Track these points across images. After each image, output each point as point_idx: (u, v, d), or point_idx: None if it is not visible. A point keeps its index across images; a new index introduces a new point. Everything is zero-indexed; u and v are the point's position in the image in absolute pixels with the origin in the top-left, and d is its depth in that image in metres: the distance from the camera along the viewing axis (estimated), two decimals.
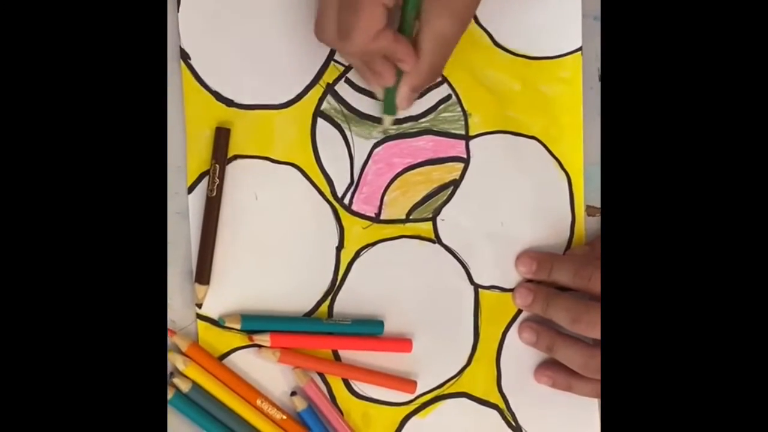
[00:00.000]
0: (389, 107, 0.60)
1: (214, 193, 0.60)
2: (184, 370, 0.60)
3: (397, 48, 0.56)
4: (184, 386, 0.59)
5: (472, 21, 0.63)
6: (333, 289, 0.63)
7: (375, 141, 0.63)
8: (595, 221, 0.66)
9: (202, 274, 0.60)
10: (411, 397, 0.63)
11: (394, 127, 0.63)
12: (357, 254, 0.63)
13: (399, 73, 0.58)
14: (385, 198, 0.63)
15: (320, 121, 0.62)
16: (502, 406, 0.64)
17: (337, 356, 0.63)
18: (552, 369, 0.64)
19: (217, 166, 0.60)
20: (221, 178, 0.60)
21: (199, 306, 0.60)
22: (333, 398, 0.62)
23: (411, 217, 0.63)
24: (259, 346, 0.61)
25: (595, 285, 0.61)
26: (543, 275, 0.64)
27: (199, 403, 0.60)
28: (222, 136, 0.60)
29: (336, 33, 0.55)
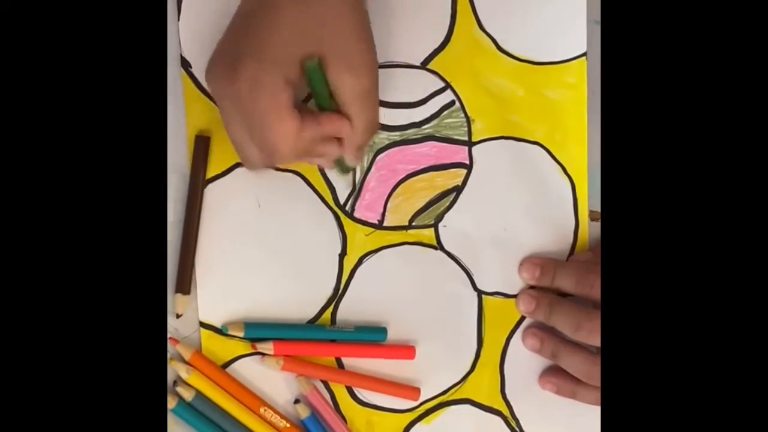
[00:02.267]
0: (343, 168, 0.59)
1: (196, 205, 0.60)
2: (188, 379, 0.60)
3: (325, 127, 0.55)
4: (188, 395, 0.59)
5: (476, 26, 0.62)
6: (336, 296, 0.62)
7: (378, 148, 0.62)
8: (599, 226, 0.65)
9: (183, 284, 0.60)
10: (415, 404, 0.63)
11: (397, 133, 0.62)
12: (360, 261, 0.63)
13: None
14: (388, 204, 0.63)
15: None
16: (506, 412, 0.64)
17: (340, 364, 0.62)
18: (556, 376, 0.64)
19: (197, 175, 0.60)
20: (202, 188, 0.60)
21: (178, 317, 0.60)
22: (336, 406, 0.62)
23: (414, 224, 0.63)
24: (263, 354, 0.61)
25: (598, 292, 0.61)
26: (546, 281, 0.63)
27: (202, 412, 0.60)
28: (201, 143, 0.60)
29: (263, 157, 0.55)
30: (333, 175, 0.62)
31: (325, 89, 0.54)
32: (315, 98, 0.55)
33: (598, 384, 0.61)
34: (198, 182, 0.60)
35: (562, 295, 0.63)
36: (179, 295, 0.60)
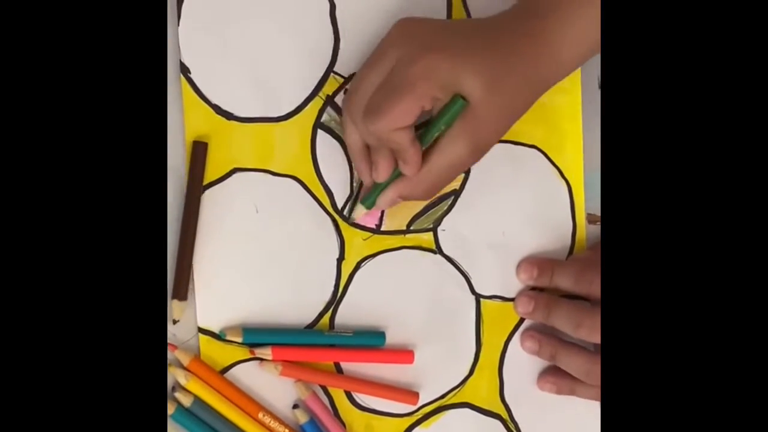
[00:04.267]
0: (369, 201, 0.60)
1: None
2: (186, 385, 0.59)
3: (409, 149, 0.55)
4: (186, 400, 0.59)
5: None
6: (334, 301, 0.62)
7: None
8: (596, 229, 0.66)
9: (180, 290, 0.60)
10: (414, 408, 0.63)
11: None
12: (358, 266, 0.63)
13: (394, 174, 0.58)
14: (386, 209, 0.63)
15: (320, 132, 0.62)
16: (505, 416, 0.64)
17: (339, 368, 0.62)
18: (555, 376, 0.64)
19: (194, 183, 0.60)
20: (200, 194, 0.60)
21: (174, 323, 0.60)
22: (335, 410, 0.62)
23: (412, 228, 0.63)
24: (261, 359, 0.61)
25: (597, 289, 0.61)
26: (544, 281, 0.64)
27: (201, 417, 0.60)
28: (199, 149, 0.60)
29: (364, 108, 0.55)
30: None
31: (437, 132, 0.55)
32: (424, 131, 0.56)
33: (598, 383, 0.61)
34: (195, 188, 0.60)
35: (561, 295, 0.63)
36: (176, 301, 0.60)
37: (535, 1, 0.56)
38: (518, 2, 0.57)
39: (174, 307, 0.60)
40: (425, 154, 0.56)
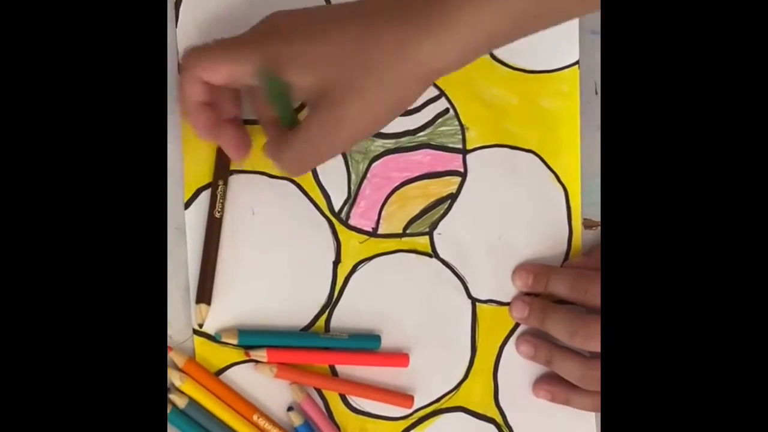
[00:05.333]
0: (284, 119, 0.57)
1: (220, 214, 0.60)
2: (181, 386, 0.59)
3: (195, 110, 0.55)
4: (181, 402, 0.59)
5: None
6: (330, 304, 0.62)
7: (373, 155, 0.63)
8: (593, 234, 0.66)
9: (204, 294, 0.60)
10: (408, 411, 0.63)
11: (392, 141, 0.62)
12: (354, 269, 0.63)
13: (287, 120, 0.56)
14: (383, 212, 0.63)
15: None
16: (500, 420, 0.64)
17: (334, 371, 0.62)
18: (550, 383, 0.64)
19: (224, 186, 0.60)
20: (224, 198, 0.60)
21: (200, 326, 0.60)
22: (330, 413, 0.62)
23: (408, 232, 0.63)
24: (256, 361, 0.60)
25: (592, 297, 0.61)
26: (539, 288, 0.64)
27: (195, 419, 0.60)
28: (224, 155, 0.60)
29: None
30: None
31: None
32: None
33: (593, 388, 0.61)
34: (223, 195, 0.60)
35: (556, 300, 0.63)
36: (202, 305, 0.60)
37: None
38: None
39: (199, 311, 0.60)
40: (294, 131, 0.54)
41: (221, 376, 0.61)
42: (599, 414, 0.65)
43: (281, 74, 0.52)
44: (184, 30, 0.60)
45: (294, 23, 0.53)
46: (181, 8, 0.60)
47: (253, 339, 0.61)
